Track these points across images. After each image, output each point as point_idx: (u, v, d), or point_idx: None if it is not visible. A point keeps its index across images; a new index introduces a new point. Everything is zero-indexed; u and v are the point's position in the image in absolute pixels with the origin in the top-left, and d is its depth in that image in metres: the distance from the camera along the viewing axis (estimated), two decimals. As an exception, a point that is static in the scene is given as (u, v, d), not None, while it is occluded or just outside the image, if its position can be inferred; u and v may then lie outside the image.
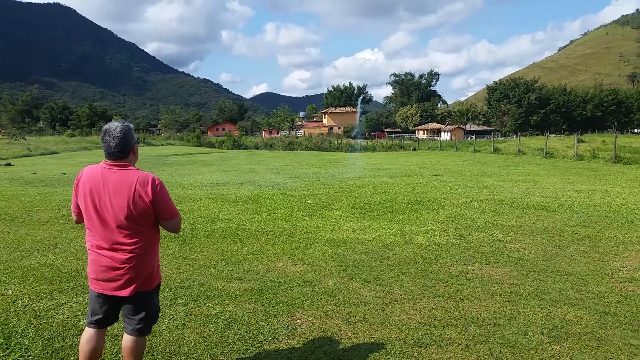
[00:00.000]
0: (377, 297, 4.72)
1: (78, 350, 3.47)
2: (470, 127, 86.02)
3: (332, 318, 4.20)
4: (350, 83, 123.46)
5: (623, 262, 6.03)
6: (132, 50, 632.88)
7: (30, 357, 3.42)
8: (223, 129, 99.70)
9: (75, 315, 4.16)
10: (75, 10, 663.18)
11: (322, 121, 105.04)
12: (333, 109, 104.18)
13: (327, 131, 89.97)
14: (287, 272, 5.55)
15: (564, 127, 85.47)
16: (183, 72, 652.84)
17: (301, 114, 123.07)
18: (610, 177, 17.41)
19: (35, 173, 18.56)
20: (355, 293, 4.83)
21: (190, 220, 8.68)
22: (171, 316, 4.18)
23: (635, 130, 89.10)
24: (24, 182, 14.66)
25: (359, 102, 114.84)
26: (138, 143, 2.98)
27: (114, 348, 3.55)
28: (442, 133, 79.72)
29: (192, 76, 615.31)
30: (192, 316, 4.20)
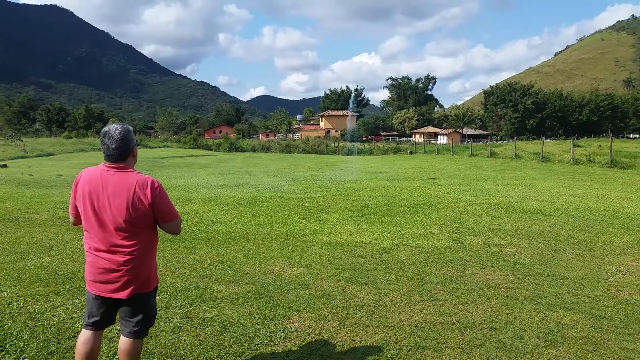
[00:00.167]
0: (374, 300, 4.72)
1: (74, 353, 3.46)
2: (466, 131, 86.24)
3: (329, 321, 4.19)
4: (347, 87, 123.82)
5: (619, 266, 6.05)
6: (129, 53, 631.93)
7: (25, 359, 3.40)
8: (220, 132, 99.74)
9: (71, 318, 4.14)
10: (72, 12, 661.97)
11: (319, 124, 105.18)
12: (330, 112, 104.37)
13: (324, 134, 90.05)
14: (283, 275, 5.55)
15: (560, 132, 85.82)
16: (180, 75, 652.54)
17: (298, 117, 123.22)
18: (606, 181, 17.48)
19: (31, 174, 18.50)
20: (351, 296, 4.83)
21: (187, 222, 8.66)
22: (167, 319, 4.16)
23: (631, 135, 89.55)
24: (20, 184, 14.61)
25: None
26: (137, 145, 2.98)
27: (110, 350, 3.53)
28: (439, 137, 79.91)
29: (189, 78, 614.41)
30: (188, 319, 4.19)
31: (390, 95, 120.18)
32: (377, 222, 9.03)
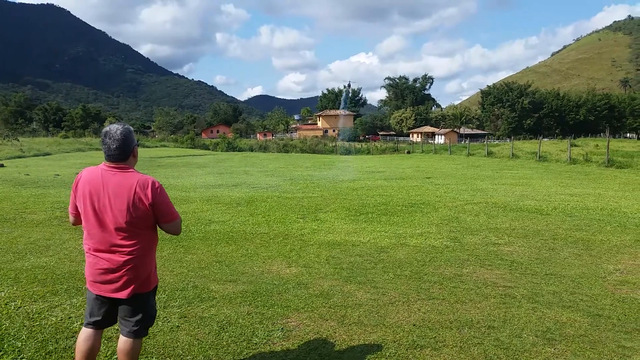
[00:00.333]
0: (372, 299, 4.73)
1: (72, 352, 3.46)
2: (464, 130, 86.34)
3: (327, 320, 4.19)
4: (344, 86, 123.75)
5: (616, 265, 6.07)
6: (126, 52, 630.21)
7: None
8: (217, 131, 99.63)
9: (69, 318, 4.13)
10: (69, 12, 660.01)
11: (316, 124, 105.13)
12: (328, 112, 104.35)
13: (321, 134, 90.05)
14: (281, 275, 5.55)
15: (557, 131, 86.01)
16: (177, 74, 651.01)
17: (296, 117, 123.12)
18: (603, 180, 17.52)
19: (28, 174, 18.46)
20: (349, 295, 4.83)
21: (185, 222, 8.65)
22: (165, 318, 4.16)
23: (628, 134, 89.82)
24: (17, 184, 14.57)
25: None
26: (138, 145, 2.98)
27: (108, 350, 3.53)
28: (436, 136, 79.99)
29: (187, 78, 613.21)
30: (186, 318, 4.18)
31: (387, 95, 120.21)
32: (374, 221, 9.03)
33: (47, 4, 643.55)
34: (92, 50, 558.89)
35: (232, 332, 3.93)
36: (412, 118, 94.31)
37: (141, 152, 43.47)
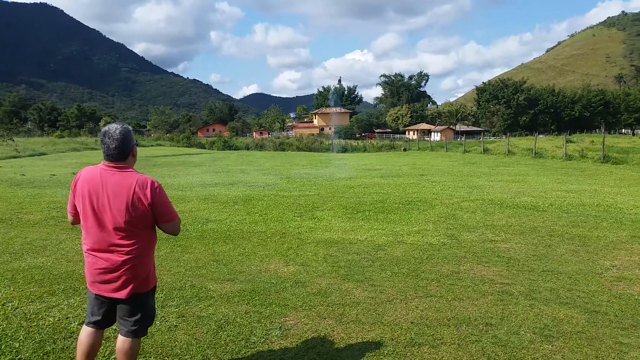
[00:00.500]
0: (370, 297, 4.73)
1: (70, 352, 3.46)
2: (459, 127, 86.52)
3: (325, 318, 4.20)
4: (337, 84, 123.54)
5: (612, 261, 6.09)
6: (121, 51, 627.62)
7: (20, 361, 3.38)
8: (213, 130, 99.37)
9: (67, 318, 4.12)
10: (62, 10, 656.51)
11: (312, 122, 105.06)
12: (323, 110, 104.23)
13: (317, 132, 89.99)
14: (279, 273, 5.55)
15: (552, 128, 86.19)
16: (172, 73, 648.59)
17: (292, 115, 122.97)
18: (599, 176, 17.58)
19: (23, 174, 18.36)
20: (347, 293, 4.84)
21: (182, 221, 8.61)
22: (163, 318, 4.15)
23: (623, 130, 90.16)
24: (12, 184, 14.50)
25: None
26: (137, 145, 2.99)
27: (106, 350, 3.52)
28: (432, 133, 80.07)
29: (182, 77, 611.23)
30: (184, 318, 4.18)
31: (383, 93, 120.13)
32: (371, 219, 9.04)
33: (40, 3, 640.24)
34: (86, 50, 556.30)
35: (230, 331, 3.93)
36: (408, 115, 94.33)
37: (137, 151, 43.35)
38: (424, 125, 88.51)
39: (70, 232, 7.51)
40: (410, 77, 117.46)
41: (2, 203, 10.38)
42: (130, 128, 2.93)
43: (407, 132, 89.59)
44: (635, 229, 7.96)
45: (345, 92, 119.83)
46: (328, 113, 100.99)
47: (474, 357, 3.49)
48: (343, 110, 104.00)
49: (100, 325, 2.94)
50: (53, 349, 3.56)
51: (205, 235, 7.56)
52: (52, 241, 7.02)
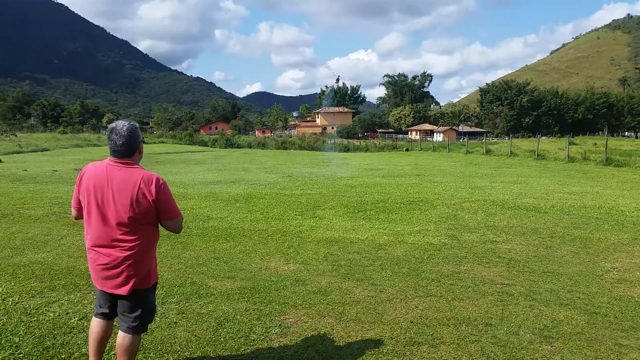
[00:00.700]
0: (370, 296, 4.73)
1: (70, 348, 3.47)
2: (462, 128, 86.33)
3: (325, 317, 4.20)
4: (343, 83, 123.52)
5: (613, 263, 6.08)
6: (125, 48, 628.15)
7: (20, 355, 3.39)
8: (216, 128, 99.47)
9: (67, 313, 4.13)
10: (67, 7, 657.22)
11: (315, 121, 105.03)
12: (326, 109, 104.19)
13: (320, 131, 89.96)
14: (279, 271, 5.55)
15: (555, 130, 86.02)
16: (176, 70, 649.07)
17: (294, 114, 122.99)
18: (601, 179, 17.55)
19: (26, 170, 18.41)
20: (347, 292, 4.84)
21: (183, 218, 8.64)
22: (163, 314, 4.16)
23: (626, 133, 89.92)
24: (15, 179, 14.54)
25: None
26: (143, 142, 3.01)
27: (107, 346, 3.52)
28: (435, 134, 79.97)
29: (185, 74, 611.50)
30: (184, 314, 4.19)
31: (386, 93, 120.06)
32: (373, 218, 9.04)
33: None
34: (91, 46, 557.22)
35: (230, 328, 3.93)
36: (411, 116, 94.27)
37: (139, 148, 43.44)
38: (426, 126, 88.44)
39: (71, 228, 7.52)
40: (414, 78, 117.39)
41: (4, 198, 10.41)
42: (137, 125, 2.96)
43: (409, 133, 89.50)
44: (637, 231, 7.95)
45: (348, 92, 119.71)
46: (331, 112, 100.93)
47: (473, 357, 3.49)
48: (346, 109, 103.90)
49: (107, 317, 2.99)
50: (53, 344, 3.57)
51: (206, 233, 7.57)
52: (53, 237, 7.03)
